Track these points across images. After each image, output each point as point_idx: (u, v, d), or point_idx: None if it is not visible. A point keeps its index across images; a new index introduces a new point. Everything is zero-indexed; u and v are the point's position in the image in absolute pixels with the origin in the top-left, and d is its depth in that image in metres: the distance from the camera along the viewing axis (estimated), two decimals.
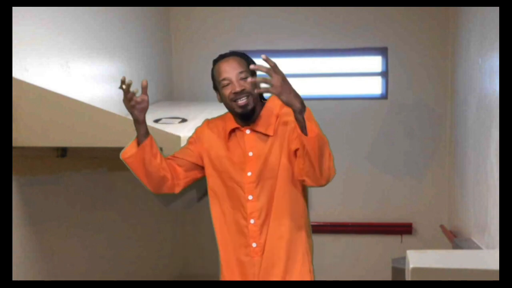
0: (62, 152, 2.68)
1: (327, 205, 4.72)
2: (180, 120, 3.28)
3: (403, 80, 4.61)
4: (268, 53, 5.01)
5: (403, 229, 4.62)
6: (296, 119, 1.97)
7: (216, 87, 2.21)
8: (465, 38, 3.78)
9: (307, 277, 2.28)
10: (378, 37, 4.61)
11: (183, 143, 2.35)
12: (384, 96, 4.66)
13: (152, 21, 4.38)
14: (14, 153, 2.23)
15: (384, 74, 4.66)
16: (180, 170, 2.24)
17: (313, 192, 4.71)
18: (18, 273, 2.42)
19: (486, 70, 3.08)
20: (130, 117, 2.17)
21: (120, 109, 3.55)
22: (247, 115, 2.15)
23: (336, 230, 4.70)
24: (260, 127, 2.17)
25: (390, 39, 4.60)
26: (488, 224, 2.92)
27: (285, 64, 4.78)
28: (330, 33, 4.65)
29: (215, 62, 2.20)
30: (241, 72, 2.11)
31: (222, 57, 2.19)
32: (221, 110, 2.33)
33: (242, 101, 2.10)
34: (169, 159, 2.24)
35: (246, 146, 2.18)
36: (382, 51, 4.65)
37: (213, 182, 2.25)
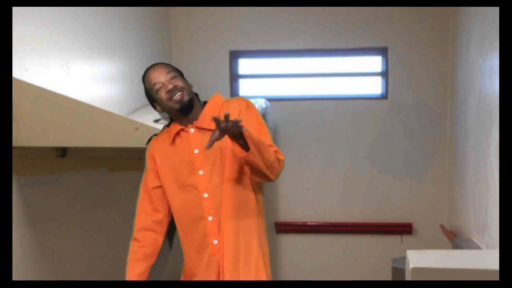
0: (62, 152, 2.68)
1: (327, 205, 4.73)
2: None
3: (403, 80, 4.61)
4: (268, 53, 5.00)
5: (403, 229, 4.62)
6: (238, 143, 2.02)
7: (153, 99, 2.24)
8: (465, 38, 3.78)
9: (263, 277, 2.23)
10: (378, 37, 4.61)
11: None
12: (384, 96, 4.66)
13: (152, 21, 4.38)
14: (14, 153, 2.23)
15: (384, 74, 4.66)
16: (161, 216, 2.31)
17: (313, 191, 4.72)
18: (18, 273, 2.42)
19: (486, 70, 3.07)
20: (130, 117, 2.19)
21: (120, 109, 3.57)
22: (186, 108, 2.19)
23: (336, 230, 4.70)
24: (204, 123, 2.20)
25: (390, 39, 4.60)
26: (488, 224, 2.92)
27: (285, 64, 4.80)
28: (330, 33, 4.65)
29: (144, 76, 2.25)
30: (168, 72, 2.19)
31: (147, 69, 2.25)
32: None
33: (177, 96, 2.16)
34: (145, 220, 2.32)
35: (191, 144, 2.21)
36: (382, 51, 4.65)
37: (171, 193, 2.26)
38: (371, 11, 4.53)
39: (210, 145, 1.95)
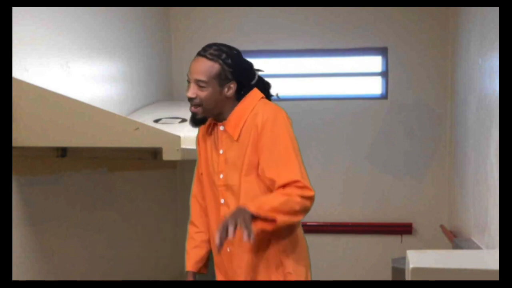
0: (62, 152, 2.67)
1: (327, 205, 4.72)
2: (180, 120, 3.28)
3: (403, 80, 4.62)
4: (268, 53, 5.01)
5: (403, 229, 4.62)
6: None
7: None
8: (465, 38, 3.78)
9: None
10: (378, 37, 4.61)
11: (183, 143, 2.35)
12: (384, 96, 4.67)
13: (152, 21, 4.38)
14: (14, 153, 2.23)
15: (384, 74, 4.66)
16: None
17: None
18: (18, 273, 2.42)
19: (486, 70, 3.07)
20: (130, 117, 2.18)
21: (120, 109, 3.57)
22: (195, 122, 2.10)
23: (336, 230, 4.70)
24: (229, 126, 2.09)
25: (390, 39, 4.60)
26: (488, 224, 2.92)
27: (285, 64, 4.80)
28: (330, 33, 4.65)
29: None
30: (199, 81, 2.01)
31: (202, 49, 2.09)
32: None
33: (192, 108, 2.07)
34: (198, 205, 2.29)
35: (219, 142, 2.14)
36: (382, 51, 4.65)
37: (205, 186, 2.22)
38: (371, 11, 4.53)
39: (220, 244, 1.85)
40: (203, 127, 2.23)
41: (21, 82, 2.21)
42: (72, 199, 2.92)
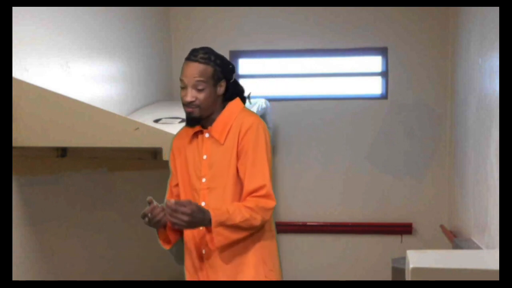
0: (62, 152, 2.68)
1: (327, 205, 4.73)
2: (180, 120, 3.28)
3: (403, 80, 4.62)
4: (268, 53, 5.01)
5: (403, 229, 4.62)
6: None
7: None
8: (465, 38, 3.78)
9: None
10: (378, 37, 4.61)
11: None
12: (384, 96, 4.67)
13: (152, 21, 4.38)
14: (14, 153, 2.23)
15: (384, 74, 4.66)
16: None
17: (313, 191, 4.72)
18: (18, 273, 2.42)
19: (486, 70, 3.08)
20: (130, 117, 2.17)
21: (120, 109, 3.57)
22: (192, 121, 2.14)
23: (336, 230, 4.70)
24: (215, 132, 2.16)
25: (390, 39, 4.60)
26: (488, 224, 2.92)
27: (285, 64, 4.80)
28: (330, 33, 4.65)
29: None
30: (198, 81, 2.08)
31: (190, 54, 2.13)
32: None
33: (189, 108, 2.11)
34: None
35: (203, 149, 2.18)
36: (382, 51, 4.65)
37: (182, 194, 2.24)
38: (371, 11, 4.53)
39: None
40: (177, 141, 2.28)
41: (21, 82, 2.21)
42: (72, 199, 2.92)
